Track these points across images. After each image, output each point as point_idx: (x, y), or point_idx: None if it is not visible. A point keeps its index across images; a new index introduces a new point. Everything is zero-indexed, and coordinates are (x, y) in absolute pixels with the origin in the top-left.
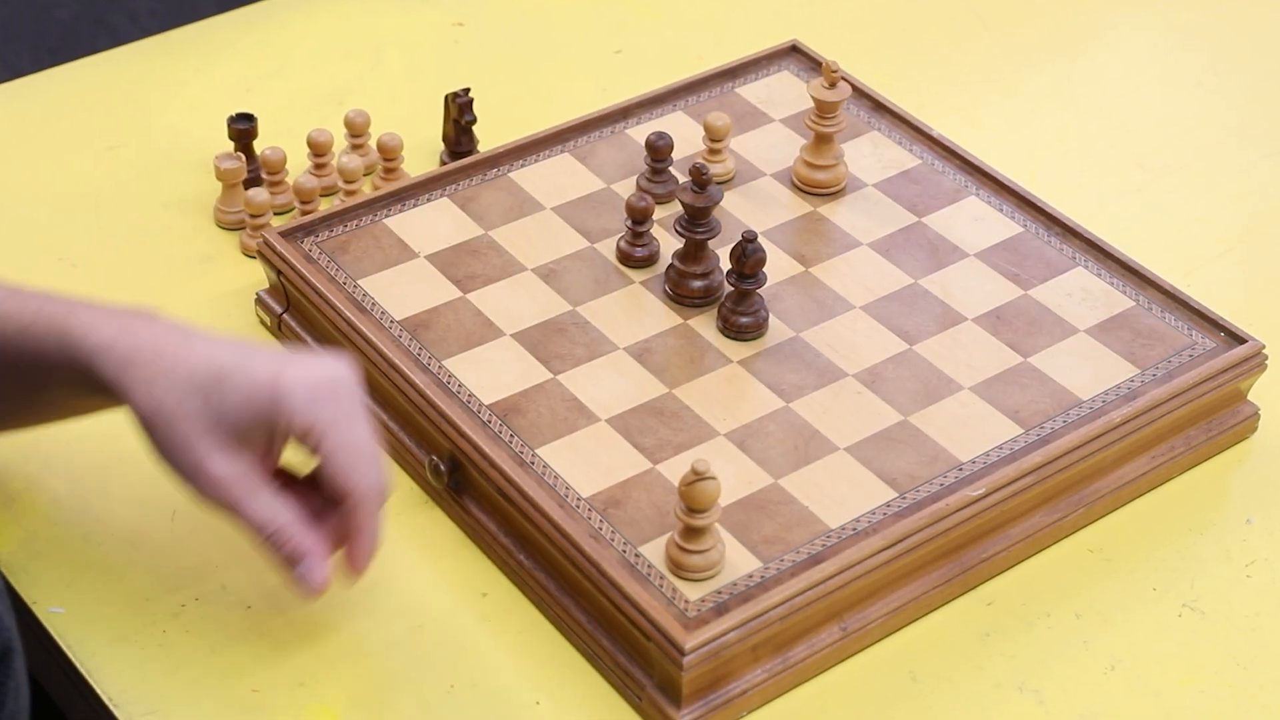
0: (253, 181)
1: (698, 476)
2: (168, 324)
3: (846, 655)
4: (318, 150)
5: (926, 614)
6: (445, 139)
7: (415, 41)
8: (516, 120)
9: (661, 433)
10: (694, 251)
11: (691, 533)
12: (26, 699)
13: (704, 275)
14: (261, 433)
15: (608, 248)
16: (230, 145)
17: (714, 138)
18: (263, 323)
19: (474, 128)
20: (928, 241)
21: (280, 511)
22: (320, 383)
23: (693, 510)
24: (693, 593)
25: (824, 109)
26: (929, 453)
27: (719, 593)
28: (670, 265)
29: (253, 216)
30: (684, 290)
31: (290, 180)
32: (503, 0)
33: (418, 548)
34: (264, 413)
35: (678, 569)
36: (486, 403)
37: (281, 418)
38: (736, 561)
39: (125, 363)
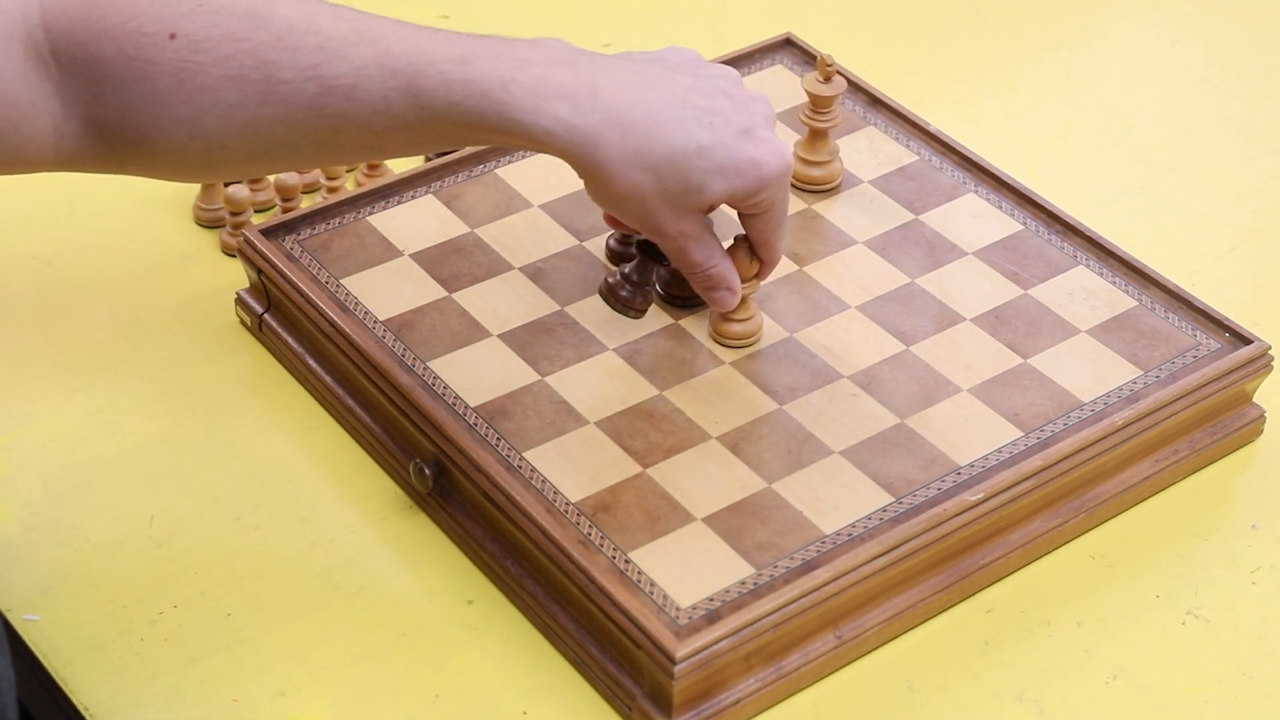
0: None
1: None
2: (617, 86)
3: (841, 664)
4: None
5: (924, 622)
6: None
7: None
8: None
9: (652, 436)
10: None
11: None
12: None
13: None
14: (724, 202)
15: (597, 246)
16: None
17: None
18: (243, 323)
19: None
20: (925, 240)
21: (715, 253)
22: (785, 170)
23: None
24: (684, 600)
25: (819, 103)
26: (926, 456)
27: (711, 600)
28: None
29: (233, 214)
30: (675, 291)
31: (271, 177)
32: None
33: (401, 553)
34: (740, 194)
35: (720, 337)
36: (472, 405)
37: (752, 197)
38: (728, 568)
39: (592, 145)
